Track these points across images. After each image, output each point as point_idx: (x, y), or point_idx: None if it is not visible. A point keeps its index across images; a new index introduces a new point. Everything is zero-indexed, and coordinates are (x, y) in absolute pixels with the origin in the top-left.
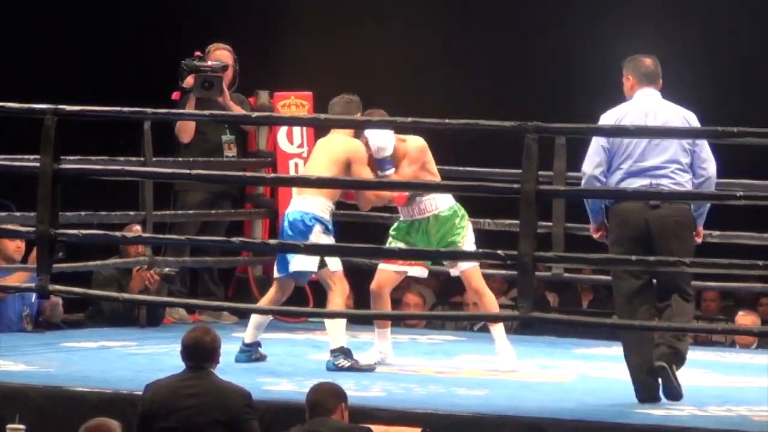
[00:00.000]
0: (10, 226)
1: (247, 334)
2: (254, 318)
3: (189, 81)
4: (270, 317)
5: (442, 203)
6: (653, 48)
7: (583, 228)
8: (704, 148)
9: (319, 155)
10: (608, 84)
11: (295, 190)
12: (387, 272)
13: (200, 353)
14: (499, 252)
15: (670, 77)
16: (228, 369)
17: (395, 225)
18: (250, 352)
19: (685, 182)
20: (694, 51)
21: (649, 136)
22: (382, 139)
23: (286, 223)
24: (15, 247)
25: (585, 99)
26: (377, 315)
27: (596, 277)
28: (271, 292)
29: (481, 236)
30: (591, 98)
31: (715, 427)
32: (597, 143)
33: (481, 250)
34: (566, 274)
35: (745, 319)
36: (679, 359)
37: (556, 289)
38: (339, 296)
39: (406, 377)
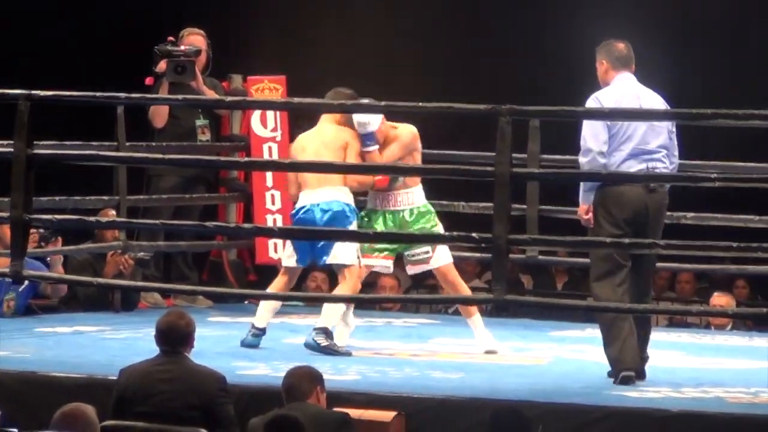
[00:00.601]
0: None
1: (260, 318)
2: (267, 302)
3: (162, 66)
4: (280, 303)
5: (418, 198)
6: (625, 32)
7: (557, 210)
8: (675, 135)
9: (318, 148)
10: (580, 67)
11: (309, 182)
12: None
13: (175, 338)
14: (474, 235)
15: (643, 61)
16: (203, 353)
17: (363, 213)
18: (261, 337)
19: (672, 168)
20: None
21: (627, 118)
22: (366, 115)
23: (325, 216)
24: (2, 233)
25: (556, 82)
26: (352, 298)
27: (571, 260)
28: (283, 280)
29: (456, 219)
30: (564, 82)
31: (691, 409)
32: (598, 122)
33: (455, 233)
34: (541, 257)
35: (719, 300)
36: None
37: (531, 272)
38: (347, 290)
39: (382, 360)
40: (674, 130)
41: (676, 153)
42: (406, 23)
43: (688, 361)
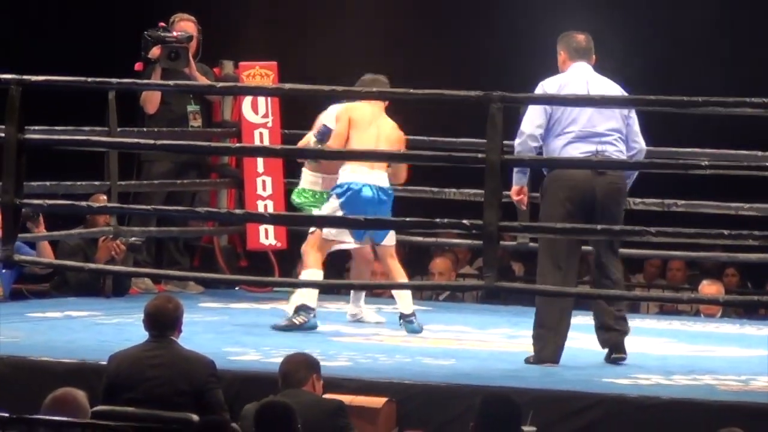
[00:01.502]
0: None
1: (310, 298)
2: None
3: (155, 52)
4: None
5: None
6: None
7: None
8: (636, 121)
9: (377, 140)
10: (546, 52)
11: (361, 163)
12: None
13: (163, 322)
14: (465, 221)
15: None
16: (193, 339)
17: (313, 192)
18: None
19: (625, 151)
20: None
21: (606, 105)
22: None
23: (376, 195)
24: None
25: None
26: (347, 285)
27: None
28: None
29: (446, 206)
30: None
31: (682, 396)
32: (538, 107)
33: (446, 220)
34: (531, 244)
35: (709, 288)
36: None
37: (522, 259)
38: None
39: (373, 347)
40: (632, 115)
41: (637, 139)
42: (398, 8)
43: (679, 349)
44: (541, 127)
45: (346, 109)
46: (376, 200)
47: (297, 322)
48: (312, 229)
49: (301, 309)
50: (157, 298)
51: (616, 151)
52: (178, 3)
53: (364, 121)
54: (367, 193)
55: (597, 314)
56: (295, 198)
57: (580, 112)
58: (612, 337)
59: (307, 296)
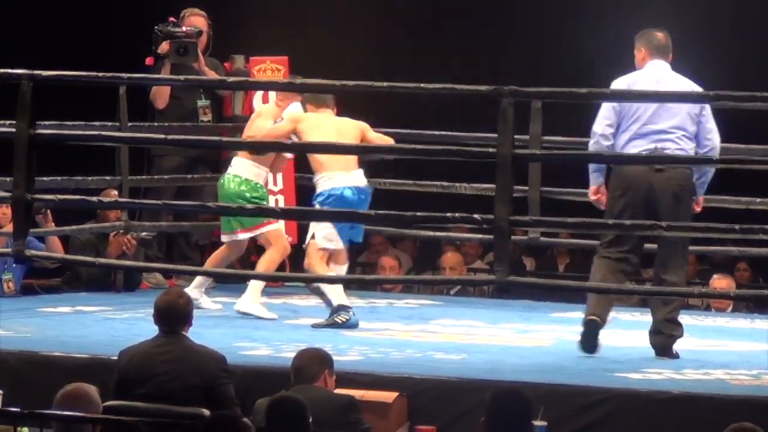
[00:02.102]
0: None
1: (340, 297)
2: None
3: (164, 47)
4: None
5: None
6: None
7: (559, 192)
8: (710, 119)
9: (338, 135)
10: (583, 51)
11: (341, 164)
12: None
13: (174, 316)
14: (476, 216)
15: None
16: (204, 333)
17: (256, 183)
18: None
19: (689, 149)
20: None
21: (628, 100)
22: None
23: (356, 196)
24: (1, 213)
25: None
26: (356, 279)
27: (573, 241)
28: (324, 263)
29: (458, 200)
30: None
31: (693, 391)
32: (608, 105)
33: (457, 214)
34: (542, 238)
35: (720, 282)
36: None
37: (533, 253)
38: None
39: (384, 341)
40: (704, 113)
41: (710, 137)
42: (409, 7)
43: (689, 343)
44: (612, 126)
45: (298, 116)
46: (357, 200)
47: (339, 321)
48: (306, 242)
49: (341, 309)
50: (167, 293)
51: (677, 149)
52: None
53: (318, 123)
54: (348, 194)
55: (652, 314)
56: (242, 187)
57: (644, 110)
58: (658, 340)
59: (339, 296)
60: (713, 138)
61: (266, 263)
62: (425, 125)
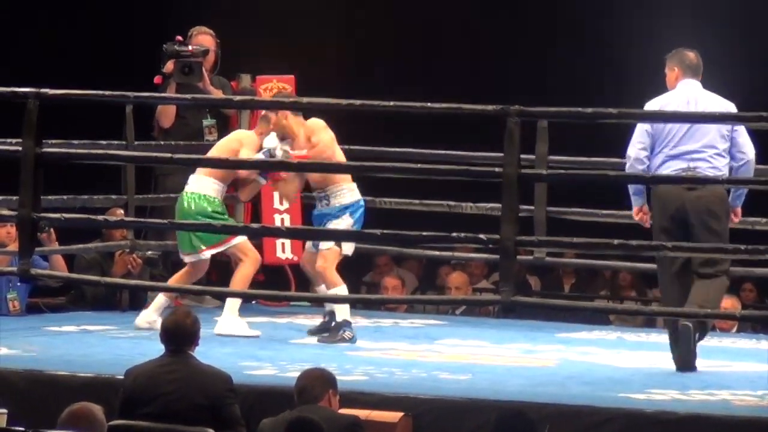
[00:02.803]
0: None
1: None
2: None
3: (169, 67)
4: None
5: None
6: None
7: (565, 212)
8: (742, 133)
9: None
10: (591, 69)
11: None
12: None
13: (181, 336)
14: (481, 236)
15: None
16: (210, 353)
17: (218, 201)
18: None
19: (722, 167)
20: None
21: (640, 120)
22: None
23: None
24: (5, 232)
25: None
26: (361, 299)
27: (578, 261)
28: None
29: (463, 220)
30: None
31: (697, 411)
32: (641, 128)
33: (463, 234)
34: (548, 258)
35: (724, 303)
36: (703, 330)
37: (538, 273)
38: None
39: (389, 361)
40: (737, 128)
41: (744, 150)
42: (414, 24)
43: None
44: (646, 149)
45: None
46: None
47: (347, 337)
48: (327, 246)
49: (346, 324)
50: (174, 312)
51: (710, 167)
52: (197, 16)
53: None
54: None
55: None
56: (203, 204)
57: (676, 131)
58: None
59: (346, 312)
60: (747, 152)
61: (242, 278)
62: (432, 144)
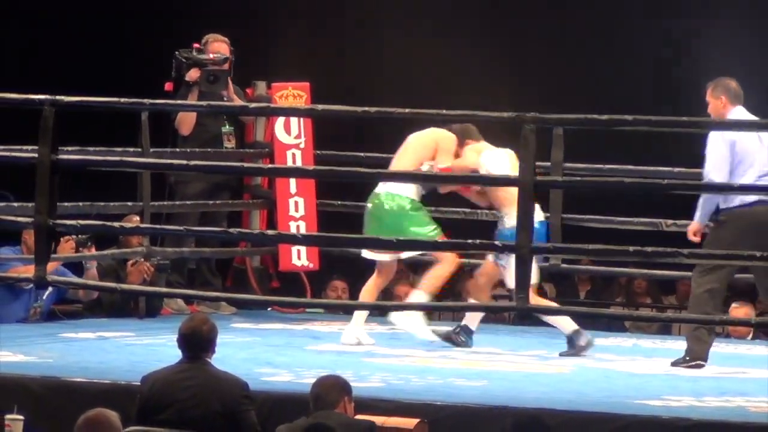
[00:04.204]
0: (9, 217)
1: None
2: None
3: (192, 75)
4: None
5: None
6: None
7: (580, 219)
8: None
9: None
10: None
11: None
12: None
13: (197, 343)
14: (497, 243)
15: None
16: (226, 360)
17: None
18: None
19: None
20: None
21: (651, 126)
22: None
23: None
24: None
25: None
26: (377, 306)
27: (593, 268)
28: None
29: (479, 227)
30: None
31: (713, 418)
32: (720, 154)
33: (478, 241)
34: (564, 265)
35: (738, 311)
36: None
37: (554, 280)
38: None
39: (405, 368)
40: None
41: None
42: (428, 30)
43: (710, 371)
44: (729, 174)
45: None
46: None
47: (583, 344)
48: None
49: (579, 333)
50: (191, 319)
51: None
52: (212, 22)
53: (497, 155)
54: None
55: None
56: (403, 203)
57: (757, 154)
58: None
59: (568, 322)
60: None
61: (438, 278)
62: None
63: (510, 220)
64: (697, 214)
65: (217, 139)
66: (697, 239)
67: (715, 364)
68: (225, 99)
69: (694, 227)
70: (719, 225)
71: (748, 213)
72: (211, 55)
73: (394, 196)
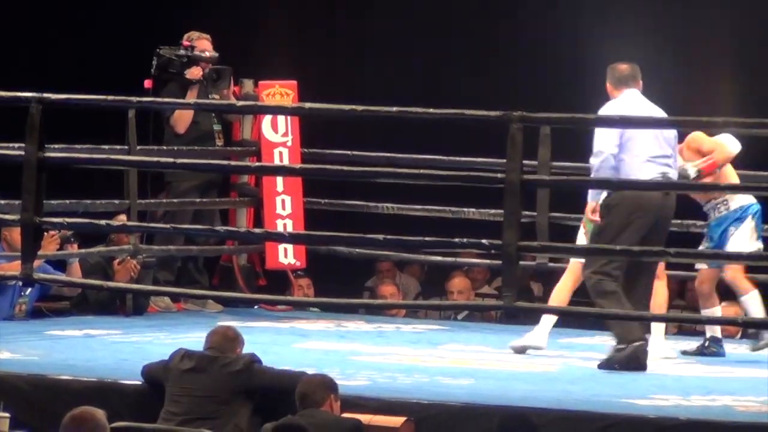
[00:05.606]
0: None
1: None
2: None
3: (194, 72)
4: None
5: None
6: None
7: (567, 217)
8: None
9: None
10: (591, 75)
11: None
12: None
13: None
14: (484, 241)
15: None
16: None
17: None
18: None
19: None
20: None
21: (636, 126)
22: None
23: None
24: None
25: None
26: (364, 304)
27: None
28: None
29: (466, 225)
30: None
31: (700, 417)
32: (611, 130)
33: (465, 239)
34: (551, 264)
35: (727, 311)
36: None
37: (541, 279)
38: None
39: (391, 366)
40: (676, 139)
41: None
42: (417, 30)
43: (697, 369)
44: (617, 146)
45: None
46: None
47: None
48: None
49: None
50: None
51: (674, 173)
52: (198, 20)
53: None
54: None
55: None
56: None
57: (649, 135)
58: None
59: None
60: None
61: (663, 301)
62: (435, 150)
63: (734, 202)
64: (590, 193)
65: (210, 136)
66: (595, 217)
67: (703, 363)
68: (225, 97)
69: (590, 206)
70: (609, 210)
71: (637, 197)
72: (207, 53)
73: None
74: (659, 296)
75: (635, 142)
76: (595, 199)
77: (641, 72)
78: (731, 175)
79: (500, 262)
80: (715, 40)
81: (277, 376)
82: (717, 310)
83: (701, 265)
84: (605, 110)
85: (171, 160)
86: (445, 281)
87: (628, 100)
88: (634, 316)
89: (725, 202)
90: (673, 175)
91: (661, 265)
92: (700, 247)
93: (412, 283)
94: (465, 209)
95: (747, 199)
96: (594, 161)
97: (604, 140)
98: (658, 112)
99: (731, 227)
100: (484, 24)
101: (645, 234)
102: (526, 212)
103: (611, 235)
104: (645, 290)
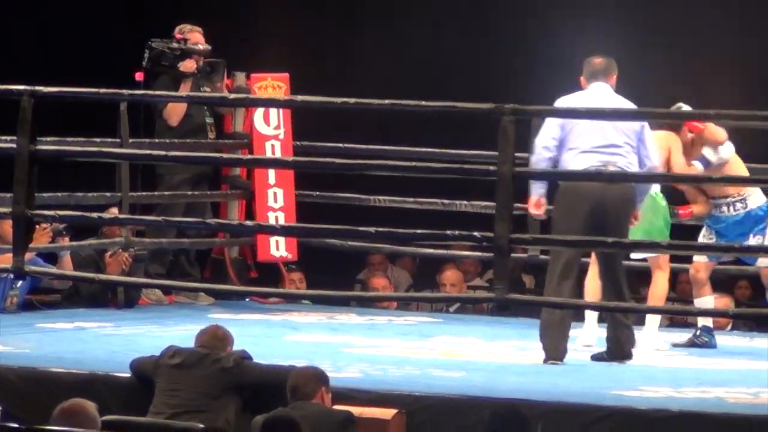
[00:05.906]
0: None
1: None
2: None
3: (188, 65)
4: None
5: None
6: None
7: None
8: (649, 139)
9: None
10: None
11: None
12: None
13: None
14: (476, 234)
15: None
16: None
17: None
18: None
19: (635, 163)
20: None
21: (622, 118)
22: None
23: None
24: (10, 228)
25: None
26: (356, 297)
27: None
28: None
29: (457, 218)
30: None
31: (691, 409)
32: (553, 122)
33: (457, 232)
34: (542, 256)
35: (718, 302)
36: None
37: (532, 271)
38: None
39: (383, 358)
40: (644, 137)
41: (650, 155)
42: (409, 22)
43: (688, 361)
44: (555, 140)
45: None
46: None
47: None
48: None
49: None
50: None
51: (627, 163)
52: (190, 12)
53: None
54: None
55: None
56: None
57: (591, 127)
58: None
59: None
60: (653, 158)
61: (662, 293)
62: (427, 143)
63: (754, 200)
64: (531, 187)
65: (203, 129)
66: (538, 212)
67: (694, 355)
68: (217, 90)
69: (533, 200)
70: (556, 203)
71: (575, 186)
72: (200, 46)
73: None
74: (659, 287)
75: (573, 135)
76: (537, 193)
77: (637, 67)
78: (742, 171)
79: (492, 254)
80: (710, 37)
81: (267, 371)
82: (710, 300)
83: (699, 257)
84: (561, 102)
85: (163, 152)
86: (436, 274)
87: (591, 92)
88: (633, 308)
89: (743, 201)
90: (624, 164)
91: (664, 257)
92: (701, 239)
93: (404, 276)
94: (457, 202)
95: (763, 199)
96: (534, 157)
97: (540, 135)
98: (623, 104)
99: (754, 235)
100: (476, 14)
101: (588, 222)
102: (518, 205)
103: (557, 225)
104: (611, 280)
